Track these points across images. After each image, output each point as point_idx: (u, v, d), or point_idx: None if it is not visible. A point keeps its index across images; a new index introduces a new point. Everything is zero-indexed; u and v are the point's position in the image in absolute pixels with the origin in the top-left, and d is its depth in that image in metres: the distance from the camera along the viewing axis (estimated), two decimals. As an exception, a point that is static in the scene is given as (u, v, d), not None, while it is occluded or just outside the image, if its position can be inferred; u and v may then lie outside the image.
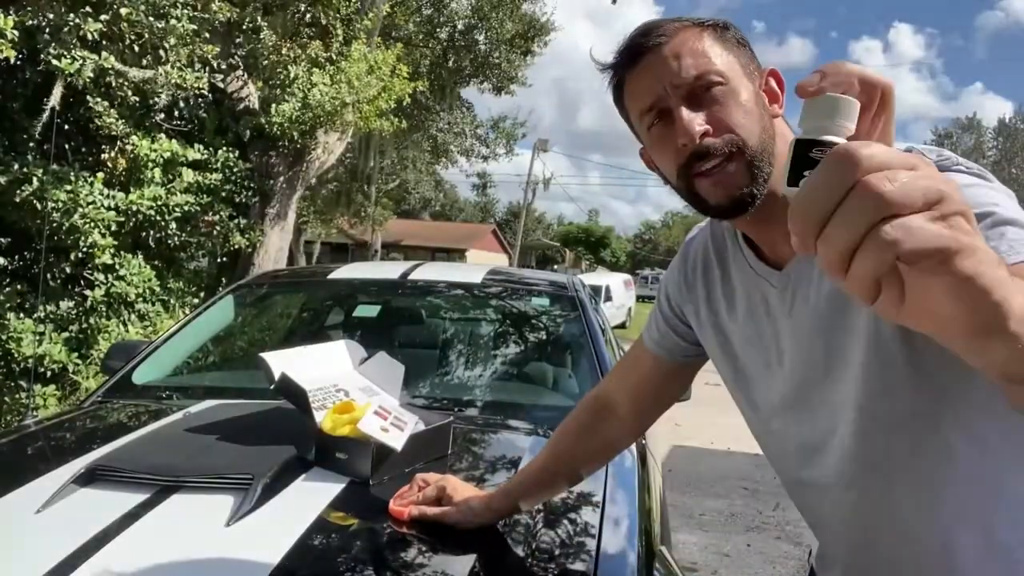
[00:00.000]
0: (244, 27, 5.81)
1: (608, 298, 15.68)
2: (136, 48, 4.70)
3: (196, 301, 5.80)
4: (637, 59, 0.81)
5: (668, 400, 1.12)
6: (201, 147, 5.77)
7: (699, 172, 0.78)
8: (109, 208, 5.06)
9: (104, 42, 4.50)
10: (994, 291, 0.39)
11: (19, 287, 5.00)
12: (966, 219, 0.39)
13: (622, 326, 16.39)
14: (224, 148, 5.91)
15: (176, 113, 5.65)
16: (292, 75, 6.04)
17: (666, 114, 0.80)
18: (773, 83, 0.83)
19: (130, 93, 4.88)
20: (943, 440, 0.75)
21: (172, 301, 5.65)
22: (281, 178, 6.61)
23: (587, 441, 1.11)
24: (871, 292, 0.39)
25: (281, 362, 1.40)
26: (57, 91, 4.52)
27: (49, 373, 4.86)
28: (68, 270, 5.33)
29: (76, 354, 4.98)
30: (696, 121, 0.77)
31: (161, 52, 4.71)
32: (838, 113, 0.49)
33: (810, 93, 0.49)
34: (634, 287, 20.58)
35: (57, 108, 4.54)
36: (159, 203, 5.33)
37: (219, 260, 6.87)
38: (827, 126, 0.49)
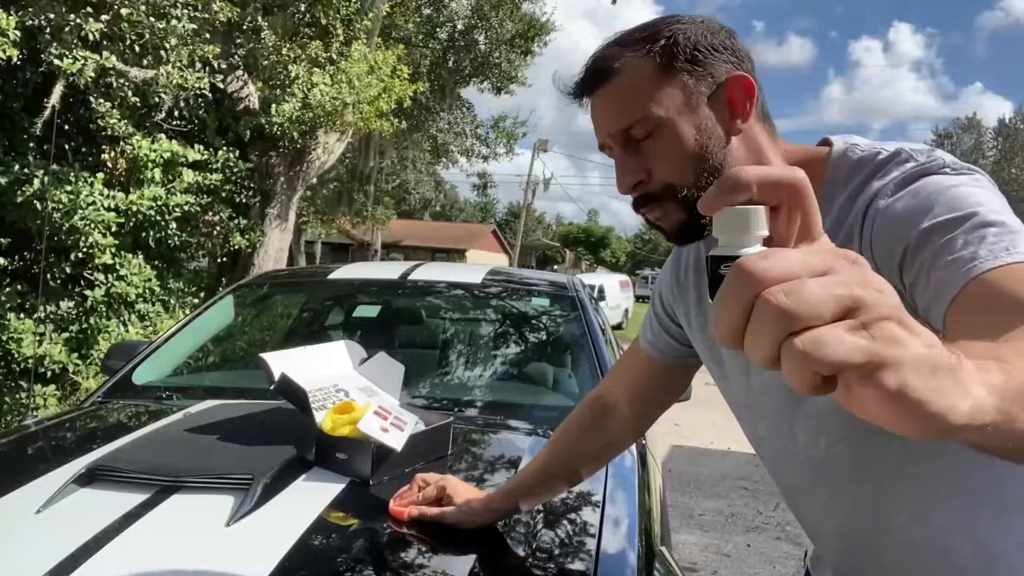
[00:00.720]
0: (244, 27, 5.81)
1: (601, 298, 15.66)
2: (137, 48, 4.70)
3: (196, 301, 5.80)
4: (589, 94, 0.82)
5: (667, 400, 1.12)
6: (201, 147, 5.78)
7: (645, 210, 0.81)
8: (109, 208, 5.06)
9: (105, 42, 4.50)
10: (930, 403, 0.35)
11: (19, 287, 5.00)
12: (896, 323, 0.36)
13: (618, 327, 16.37)
14: (224, 148, 5.92)
15: (176, 113, 5.65)
16: (292, 75, 6.05)
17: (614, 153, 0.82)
18: (738, 90, 0.78)
19: (131, 93, 4.88)
20: (932, 446, 0.75)
21: (172, 301, 5.65)
22: (281, 178, 6.61)
23: (586, 442, 1.11)
24: (807, 388, 0.36)
25: (281, 362, 1.40)
26: (57, 91, 4.52)
27: (49, 373, 4.86)
28: (68, 270, 5.33)
29: (76, 354, 4.98)
30: (628, 174, 0.80)
31: (162, 52, 4.71)
32: (743, 224, 0.47)
33: (712, 211, 0.47)
34: (632, 288, 20.40)
35: (57, 108, 4.54)
36: (159, 203, 5.33)
37: (219, 260, 6.87)
38: (735, 239, 0.47)
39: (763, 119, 0.81)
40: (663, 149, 0.78)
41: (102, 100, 4.97)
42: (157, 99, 5.15)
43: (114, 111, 5.06)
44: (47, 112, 4.55)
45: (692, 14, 0.82)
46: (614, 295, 17.14)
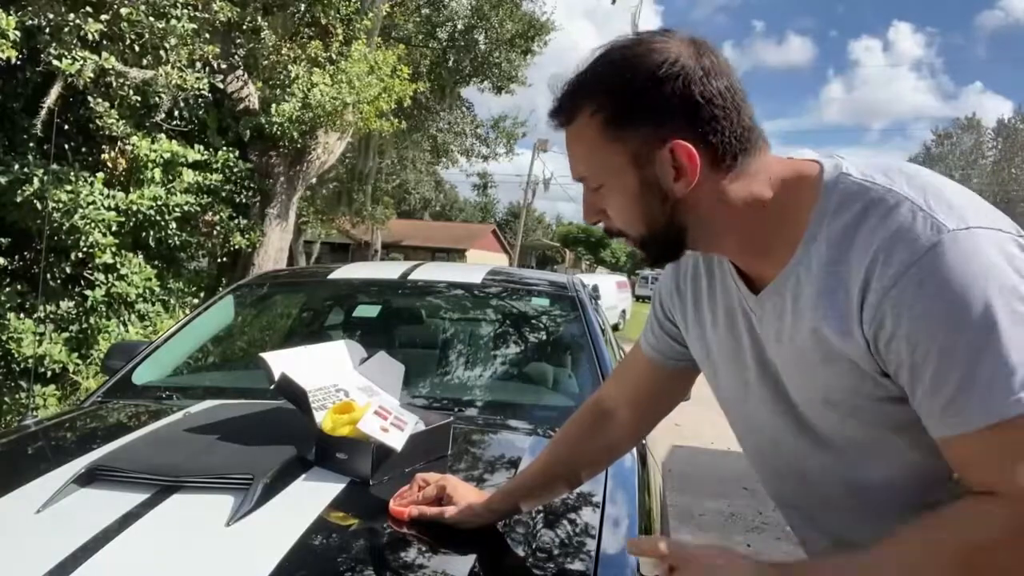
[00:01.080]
0: (244, 27, 5.81)
1: (596, 298, 15.51)
2: (136, 48, 4.70)
3: (196, 301, 5.80)
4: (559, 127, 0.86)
5: (668, 404, 1.12)
6: (201, 147, 5.78)
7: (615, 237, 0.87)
8: (109, 208, 5.06)
9: (104, 42, 4.50)
10: None
11: (19, 287, 5.00)
12: None
13: (615, 328, 16.29)
14: (224, 148, 5.92)
15: (176, 113, 5.65)
16: (292, 75, 6.05)
17: None
18: (681, 155, 0.77)
19: (131, 93, 4.88)
20: (925, 464, 0.76)
21: (172, 301, 5.65)
22: (281, 178, 6.61)
23: (587, 445, 1.11)
24: None
25: (281, 362, 1.40)
26: (55, 91, 4.52)
27: (49, 373, 4.86)
28: (68, 270, 5.33)
29: (76, 354, 4.98)
30: (588, 209, 0.86)
31: (161, 52, 4.71)
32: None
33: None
34: (629, 289, 20.18)
35: (55, 108, 4.54)
36: (159, 203, 5.33)
37: (219, 260, 6.87)
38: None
39: (724, 159, 0.78)
40: (612, 204, 0.83)
41: (100, 100, 4.97)
42: (157, 99, 5.15)
43: (113, 111, 5.06)
44: (44, 113, 4.55)
45: (664, 46, 0.78)
46: (610, 296, 17.00)
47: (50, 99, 4.49)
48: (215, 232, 5.88)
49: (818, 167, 0.80)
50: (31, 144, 4.97)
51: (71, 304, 5.20)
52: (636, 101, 0.77)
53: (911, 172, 0.76)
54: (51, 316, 5.10)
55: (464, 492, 1.10)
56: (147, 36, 4.56)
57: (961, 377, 0.67)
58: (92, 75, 4.39)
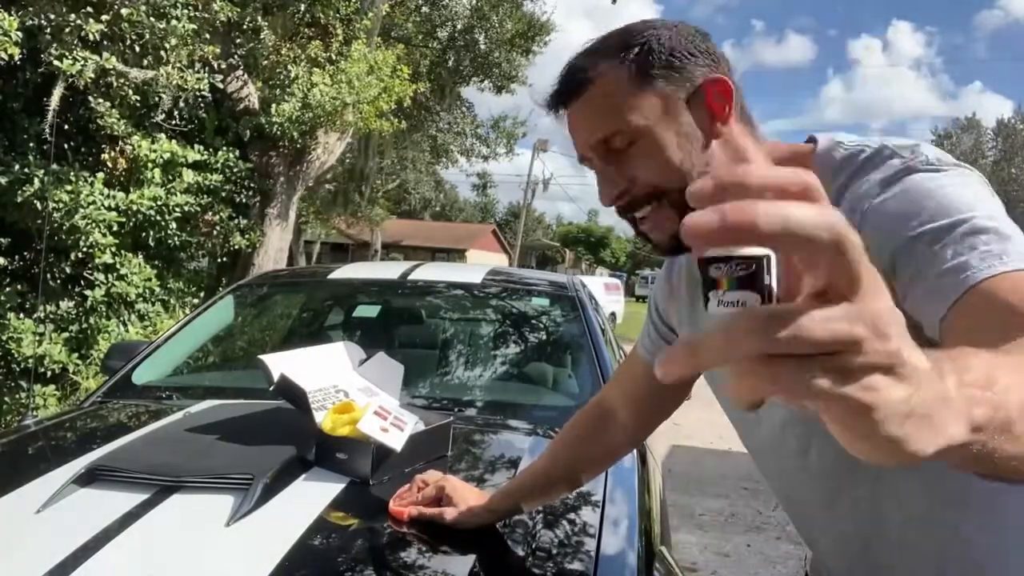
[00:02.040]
0: (244, 27, 5.81)
1: None
2: (137, 48, 4.70)
3: (196, 301, 5.80)
4: (564, 105, 0.82)
5: (669, 406, 1.11)
6: (201, 147, 5.78)
7: (633, 219, 0.81)
8: (109, 208, 5.06)
9: (105, 42, 4.50)
10: (899, 445, 0.33)
11: (19, 287, 5.00)
12: (883, 373, 0.32)
13: (605, 332, 16.11)
14: (224, 148, 5.92)
15: (176, 113, 5.65)
16: (292, 75, 6.05)
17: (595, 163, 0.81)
18: (715, 93, 0.78)
19: (131, 93, 4.88)
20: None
21: (172, 301, 5.65)
22: (281, 178, 6.61)
23: (587, 446, 1.11)
24: (747, 403, 0.33)
25: (280, 364, 1.40)
26: (57, 92, 4.52)
27: (49, 373, 4.86)
28: (68, 270, 5.33)
29: (76, 354, 4.98)
30: (609, 186, 0.79)
31: (162, 52, 4.71)
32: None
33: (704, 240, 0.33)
34: (621, 291, 19.80)
35: (56, 109, 4.54)
36: (159, 203, 5.33)
37: (219, 260, 6.87)
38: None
39: (743, 120, 0.80)
40: (645, 157, 0.77)
41: (101, 100, 4.97)
42: (157, 99, 5.15)
43: (114, 111, 5.06)
44: (51, 116, 4.55)
45: (665, 20, 0.81)
46: (598, 298, 16.83)
47: (53, 100, 4.49)
48: (215, 232, 5.88)
49: (812, 144, 0.81)
50: (31, 144, 4.97)
51: (71, 304, 5.20)
52: (661, 47, 0.77)
53: (908, 143, 0.76)
54: (51, 316, 5.10)
55: (463, 493, 1.10)
56: (147, 36, 4.56)
57: (956, 249, 0.62)
58: (92, 75, 4.39)
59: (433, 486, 1.11)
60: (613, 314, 17.95)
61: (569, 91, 0.80)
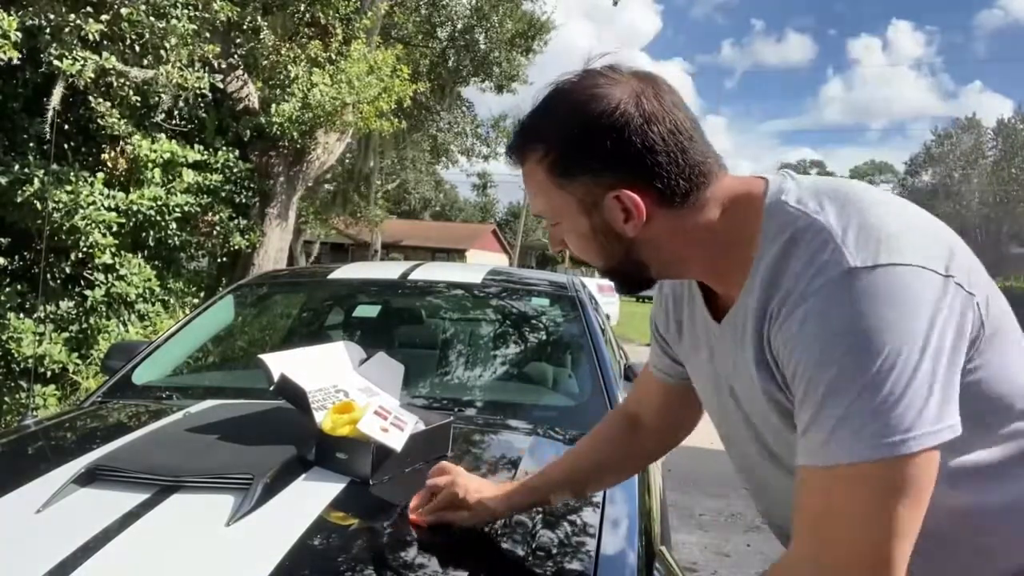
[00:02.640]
0: (244, 27, 5.81)
1: None
2: (137, 48, 4.70)
3: (196, 301, 5.80)
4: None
5: (690, 417, 1.12)
6: (201, 147, 5.78)
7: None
8: (109, 208, 5.06)
9: (105, 42, 4.49)
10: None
11: (19, 287, 5.00)
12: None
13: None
14: (224, 148, 5.92)
15: (176, 113, 5.65)
16: (292, 75, 6.05)
17: None
18: (626, 202, 0.78)
19: (131, 93, 4.88)
20: None
21: (172, 301, 5.65)
22: (281, 178, 6.61)
23: (617, 451, 1.12)
24: None
25: (280, 363, 1.40)
26: (57, 92, 4.52)
27: (49, 373, 4.86)
28: (68, 270, 5.33)
29: (76, 354, 4.98)
30: (553, 243, 0.89)
31: (162, 52, 4.71)
32: None
33: None
34: (616, 292, 19.84)
35: (58, 109, 4.54)
36: (159, 203, 5.33)
37: (219, 260, 6.87)
38: None
39: (674, 199, 0.79)
40: (570, 240, 0.86)
41: (101, 100, 4.97)
42: (157, 99, 5.15)
43: (114, 111, 5.05)
44: (51, 115, 4.55)
45: (608, 81, 0.79)
46: None
47: (54, 100, 4.49)
48: (215, 232, 5.88)
49: (763, 187, 0.80)
50: (31, 144, 4.97)
51: (71, 304, 5.20)
52: (578, 152, 0.79)
53: (846, 198, 0.75)
54: (51, 316, 5.10)
55: (475, 491, 1.09)
56: (147, 36, 4.56)
57: (811, 416, 0.69)
58: (92, 75, 4.39)
59: (445, 492, 1.10)
60: (607, 316, 17.88)
61: (514, 160, 0.87)
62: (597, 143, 0.77)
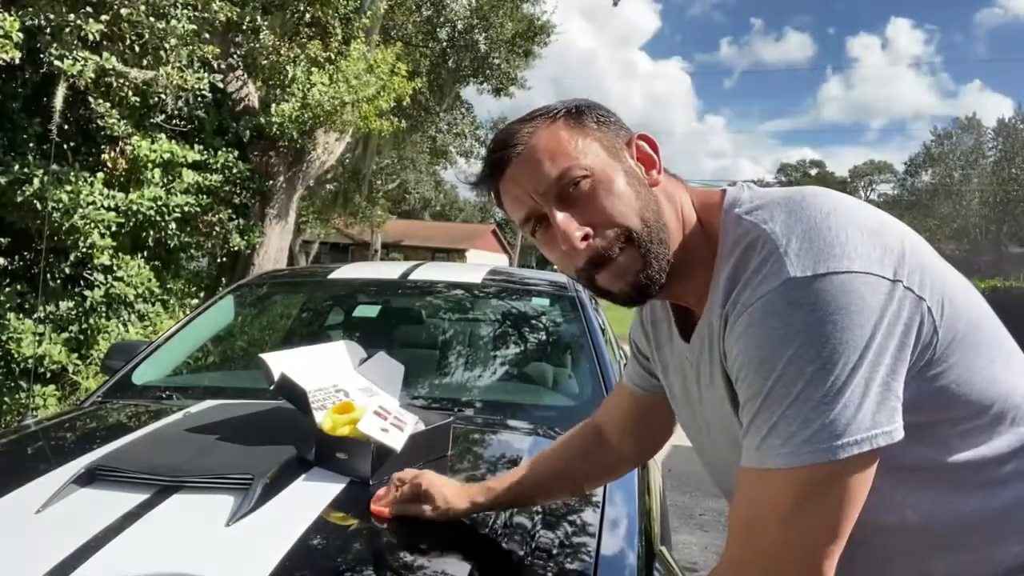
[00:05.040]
0: (244, 27, 5.81)
1: None
2: (137, 49, 4.69)
3: (196, 301, 5.80)
4: (500, 172, 0.82)
5: (663, 430, 1.12)
6: (201, 148, 5.77)
7: (590, 277, 0.81)
8: (109, 208, 5.06)
9: (105, 43, 4.49)
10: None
11: (19, 287, 5.00)
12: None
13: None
14: (224, 149, 5.91)
15: (176, 114, 5.65)
16: (291, 75, 6.04)
17: (545, 219, 0.81)
18: (646, 148, 0.83)
19: (130, 94, 4.88)
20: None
21: (172, 301, 5.65)
22: (281, 178, 6.61)
23: (580, 463, 1.13)
24: None
25: (281, 362, 1.40)
26: (60, 93, 4.51)
27: (49, 373, 4.86)
28: (68, 270, 5.33)
29: (76, 354, 4.98)
30: (572, 226, 0.78)
31: (161, 53, 4.71)
32: None
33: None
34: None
35: (58, 110, 4.54)
36: (159, 204, 5.33)
37: (219, 260, 6.87)
38: None
39: (668, 173, 0.86)
40: (600, 197, 0.78)
41: (101, 100, 4.96)
42: (157, 99, 5.15)
43: (114, 112, 5.05)
44: (56, 117, 4.54)
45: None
46: None
47: (57, 101, 4.48)
48: (215, 232, 5.88)
49: (720, 198, 0.82)
50: (31, 144, 4.97)
51: (71, 304, 5.20)
52: (587, 107, 0.84)
53: (796, 206, 0.75)
54: (51, 316, 5.10)
55: (440, 487, 1.11)
56: (147, 36, 4.55)
57: (749, 421, 0.71)
58: (93, 75, 4.38)
59: (410, 484, 1.11)
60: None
61: (507, 152, 0.81)
62: (602, 108, 0.85)
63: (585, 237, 0.78)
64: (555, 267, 3.00)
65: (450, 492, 1.10)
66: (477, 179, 0.87)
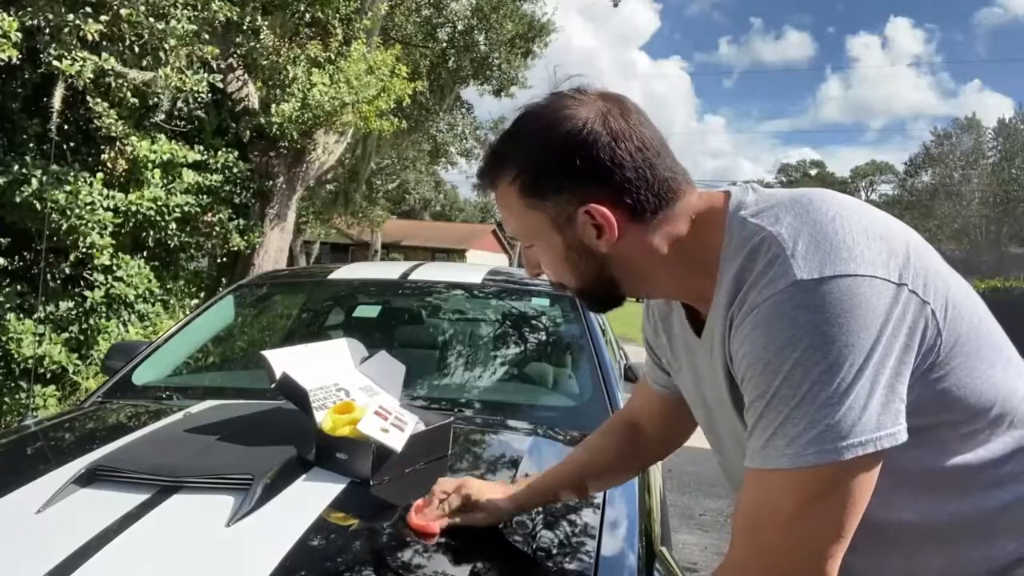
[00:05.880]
0: (244, 27, 5.81)
1: None
2: (136, 49, 4.69)
3: (196, 302, 5.79)
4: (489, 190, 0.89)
5: (687, 426, 1.12)
6: (201, 148, 5.77)
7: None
8: (108, 209, 5.06)
9: (104, 43, 4.49)
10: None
11: (19, 287, 4.99)
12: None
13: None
14: (224, 149, 5.91)
15: (176, 114, 5.64)
16: (291, 75, 6.04)
17: None
18: (598, 217, 0.79)
19: (129, 94, 4.88)
20: None
21: (172, 301, 5.65)
22: (281, 178, 6.60)
23: (621, 460, 1.14)
24: None
25: (282, 360, 1.40)
26: (58, 93, 4.52)
27: (49, 374, 4.86)
28: (68, 271, 5.33)
29: (76, 355, 4.98)
30: (528, 267, 0.91)
31: (161, 53, 4.71)
32: None
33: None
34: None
35: (57, 109, 4.54)
36: (159, 204, 5.33)
37: (219, 260, 6.87)
38: None
39: (644, 214, 0.80)
40: (544, 260, 0.87)
41: (98, 100, 4.96)
42: (156, 100, 5.15)
43: (112, 112, 5.05)
44: (53, 114, 4.54)
45: (574, 102, 0.81)
46: None
47: (56, 101, 4.48)
48: (215, 232, 5.88)
49: (726, 201, 0.82)
50: (31, 144, 4.97)
51: (71, 305, 5.20)
52: (548, 171, 0.81)
53: (803, 209, 0.75)
54: (51, 317, 5.10)
55: (488, 493, 1.10)
56: (147, 37, 4.55)
57: (754, 422, 0.72)
58: (92, 76, 4.38)
59: (457, 495, 1.09)
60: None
61: (483, 185, 0.89)
62: (567, 161, 0.79)
63: (538, 274, 0.91)
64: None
65: (497, 497, 1.10)
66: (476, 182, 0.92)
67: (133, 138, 5.26)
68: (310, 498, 1.17)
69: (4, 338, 4.70)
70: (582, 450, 1.16)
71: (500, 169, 0.84)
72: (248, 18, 5.69)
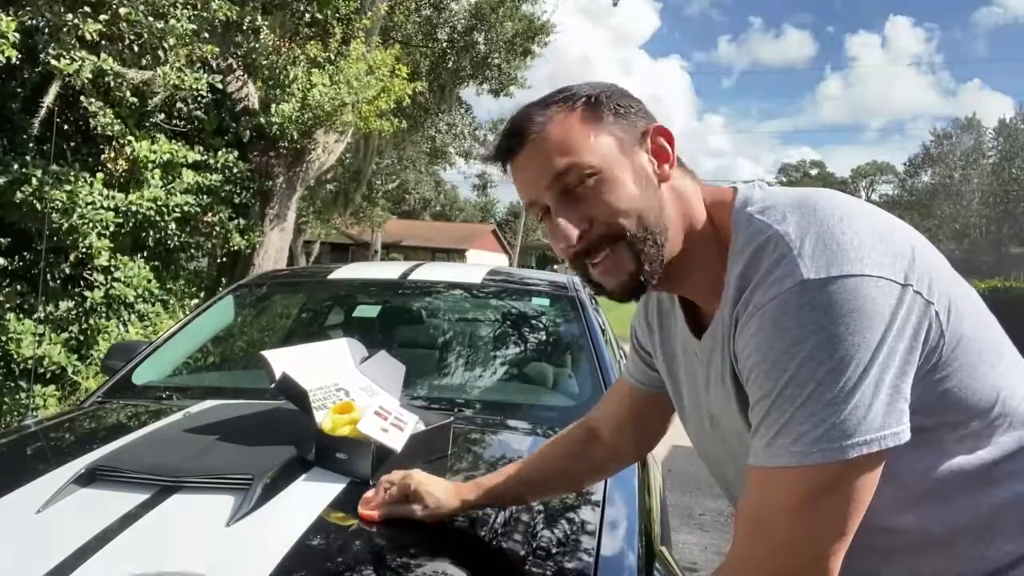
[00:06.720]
0: (244, 27, 5.81)
1: None
2: (135, 48, 4.69)
3: (196, 302, 5.79)
4: (513, 155, 0.83)
5: (657, 428, 1.13)
6: (201, 148, 5.77)
7: (585, 268, 0.83)
8: (108, 209, 5.06)
9: (103, 42, 4.49)
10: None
11: (19, 287, 5.00)
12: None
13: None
14: (224, 149, 5.91)
15: (176, 114, 5.64)
16: (291, 75, 6.04)
17: (547, 210, 0.82)
18: (661, 141, 0.82)
19: (128, 94, 4.87)
20: None
21: (172, 301, 5.65)
22: (281, 178, 6.61)
23: (570, 462, 1.13)
24: None
25: (282, 360, 1.40)
26: (53, 91, 4.52)
27: (49, 374, 4.86)
28: (68, 271, 5.33)
29: (76, 355, 4.98)
30: (570, 226, 0.79)
31: (160, 53, 4.70)
32: None
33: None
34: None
35: (53, 108, 4.54)
36: (159, 204, 5.33)
37: (219, 260, 6.87)
38: None
39: (682, 166, 0.85)
40: (603, 194, 0.79)
41: (93, 100, 4.95)
42: (155, 98, 5.15)
43: (109, 111, 5.04)
44: (43, 113, 4.54)
45: (597, 83, 0.86)
46: None
47: (48, 98, 4.48)
48: (215, 232, 5.88)
49: (732, 196, 0.82)
50: (30, 144, 4.97)
51: (70, 305, 5.20)
52: (613, 95, 0.83)
53: (809, 209, 0.75)
54: (51, 317, 5.10)
55: (430, 486, 1.10)
56: (146, 36, 4.55)
57: (759, 420, 0.72)
58: (90, 76, 4.38)
59: (398, 485, 1.10)
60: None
61: (520, 136, 0.81)
62: (623, 92, 0.84)
63: (582, 235, 0.80)
64: (555, 268, 3.00)
65: (440, 491, 1.10)
66: (491, 155, 0.88)
67: (132, 138, 5.26)
68: (310, 498, 1.17)
69: (4, 338, 4.70)
70: (536, 455, 1.16)
71: (555, 101, 0.82)
72: (248, 18, 5.69)
